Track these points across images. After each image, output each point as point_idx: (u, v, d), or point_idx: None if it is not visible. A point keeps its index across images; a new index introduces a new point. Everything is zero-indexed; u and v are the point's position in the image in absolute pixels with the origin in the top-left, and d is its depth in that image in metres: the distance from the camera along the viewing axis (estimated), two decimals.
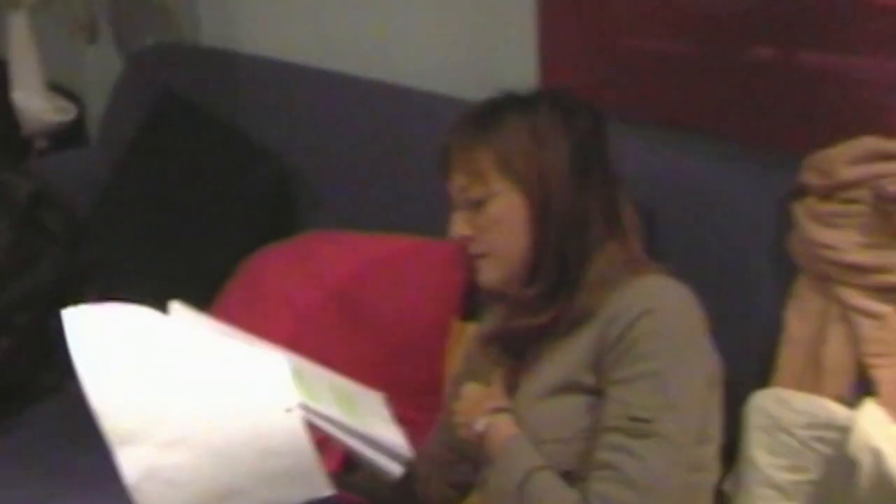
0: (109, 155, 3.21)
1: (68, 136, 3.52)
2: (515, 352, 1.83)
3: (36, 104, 3.38)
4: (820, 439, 1.73)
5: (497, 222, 1.74)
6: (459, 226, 1.78)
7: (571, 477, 1.65)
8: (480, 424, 1.76)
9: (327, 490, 1.57)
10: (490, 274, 1.78)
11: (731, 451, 1.80)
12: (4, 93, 3.36)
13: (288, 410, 1.56)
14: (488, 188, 1.73)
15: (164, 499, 1.55)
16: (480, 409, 1.78)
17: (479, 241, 1.77)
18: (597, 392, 1.67)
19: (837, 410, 1.73)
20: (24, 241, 2.74)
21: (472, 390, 1.84)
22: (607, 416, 1.63)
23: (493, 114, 1.76)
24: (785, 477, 1.75)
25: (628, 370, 1.62)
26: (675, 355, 1.63)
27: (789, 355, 1.82)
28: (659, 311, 1.64)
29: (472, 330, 2.20)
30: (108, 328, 1.60)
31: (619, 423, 1.60)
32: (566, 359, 1.72)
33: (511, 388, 1.81)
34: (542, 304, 1.75)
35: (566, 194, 1.71)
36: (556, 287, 1.73)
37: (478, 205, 1.75)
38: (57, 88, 3.48)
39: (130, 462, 1.54)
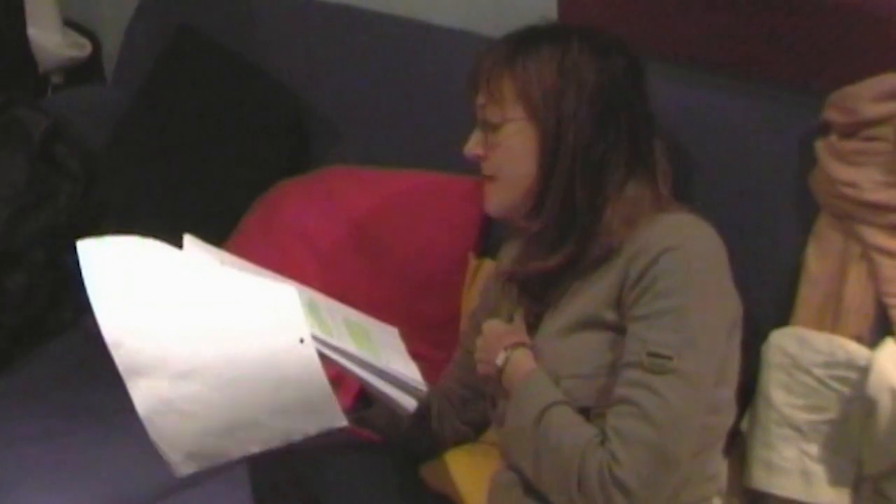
0: (125, 91, 3.20)
1: (84, 73, 3.53)
2: (535, 292, 1.83)
3: (51, 40, 3.38)
4: (838, 379, 1.72)
5: (506, 147, 1.75)
6: (472, 143, 1.80)
7: (590, 413, 1.65)
8: (500, 359, 1.76)
9: (341, 421, 1.58)
10: (494, 198, 1.79)
11: (748, 392, 1.80)
12: (20, 29, 3.35)
13: (301, 341, 1.56)
14: (504, 113, 1.74)
15: (176, 430, 1.56)
16: (501, 344, 1.78)
17: (489, 161, 1.78)
18: (619, 329, 1.66)
19: (856, 350, 1.72)
20: (40, 176, 2.73)
21: (493, 326, 1.84)
22: (627, 352, 1.62)
23: (526, 43, 1.76)
24: (802, 416, 1.75)
25: (650, 307, 1.61)
26: (697, 293, 1.62)
27: (809, 294, 1.80)
28: (682, 248, 1.63)
29: (489, 266, 2.20)
30: (123, 261, 1.61)
31: (638, 359, 1.59)
32: (588, 296, 1.71)
33: (532, 327, 1.81)
34: (553, 246, 1.75)
35: (581, 135, 1.70)
36: (562, 228, 1.73)
37: (493, 126, 1.76)
38: (72, 24, 3.48)
39: (143, 394, 1.55)
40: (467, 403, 1.98)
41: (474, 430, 2.01)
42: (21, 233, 2.67)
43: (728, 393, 1.73)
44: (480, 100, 1.78)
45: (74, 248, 1.63)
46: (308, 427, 1.58)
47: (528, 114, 1.72)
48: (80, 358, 2.55)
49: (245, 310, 1.59)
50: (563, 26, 1.80)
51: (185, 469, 1.58)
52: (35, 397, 2.45)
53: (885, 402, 1.66)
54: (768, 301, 1.85)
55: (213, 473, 1.64)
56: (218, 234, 2.30)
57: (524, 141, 1.73)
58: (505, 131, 1.74)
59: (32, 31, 3.35)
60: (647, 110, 1.78)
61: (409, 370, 1.73)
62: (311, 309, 1.65)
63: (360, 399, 1.92)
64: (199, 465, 1.59)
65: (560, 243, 1.74)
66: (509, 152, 1.75)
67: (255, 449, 1.59)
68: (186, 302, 1.59)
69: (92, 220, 2.78)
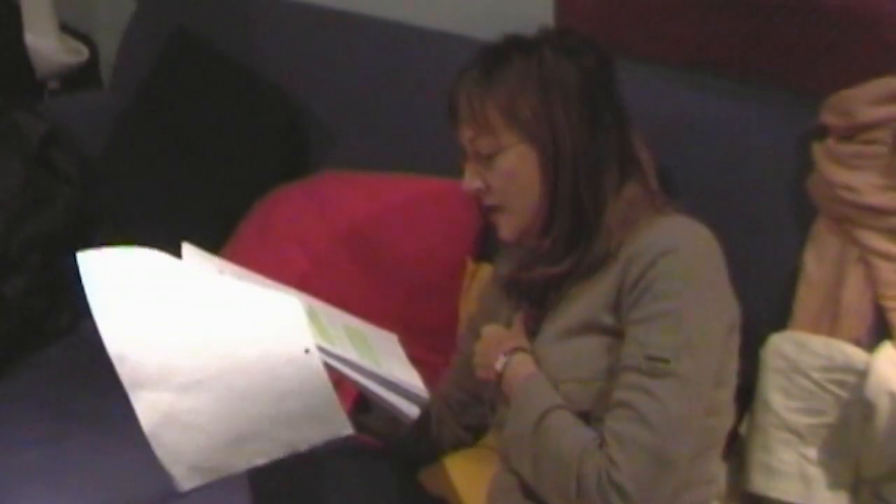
0: (122, 96, 3.20)
1: (80, 78, 3.53)
2: (535, 297, 1.82)
3: (48, 46, 3.39)
4: (837, 382, 1.72)
5: (509, 177, 1.72)
6: (470, 179, 1.77)
7: (588, 417, 1.65)
8: (499, 364, 1.76)
9: (347, 430, 1.57)
10: (508, 229, 1.77)
11: (747, 395, 1.80)
12: (17, 34, 3.35)
13: (306, 351, 1.55)
14: (497, 142, 1.71)
15: (181, 443, 1.54)
16: (500, 348, 1.77)
17: (493, 193, 1.75)
18: (617, 333, 1.66)
19: (854, 353, 1.72)
20: (37, 181, 2.73)
21: (492, 330, 1.84)
22: (625, 355, 1.62)
23: (496, 62, 1.73)
24: (801, 420, 1.75)
25: (647, 310, 1.61)
26: (694, 296, 1.62)
27: (807, 297, 1.80)
28: (680, 251, 1.63)
29: (486, 271, 2.20)
30: (123, 271, 1.59)
31: (636, 362, 1.59)
32: (587, 300, 1.71)
33: (531, 333, 1.81)
34: (560, 253, 1.74)
35: (576, 141, 1.69)
36: (573, 235, 1.72)
37: (488, 158, 1.73)
38: (69, 30, 3.48)
39: (147, 406, 1.53)
40: (466, 408, 1.98)
41: (473, 435, 2.01)
42: (18, 238, 2.67)
43: (726, 395, 1.73)
44: (468, 133, 1.74)
45: (71, 253, 1.62)
46: (314, 437, 1.57)
47: (522, 137, 1.70)
48: (78, 362, 2.55)
49: (249, 321, 1.57)
50: (525, 37, 1.75)
51: (188, 483, 1.55)
52: (33, 402, 2.45)
53: (883, 405, 1.66)
54: (767, 305, 1.85)
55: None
56: (214, 239, 2.30)
57: (525, 164, 1.71)
58: (502, 159, 1.72)
59: (29, 37, 3.35)
60: (624, 108, 1.76)
61: (411, 377, 1.72)
62: (312, 316, 1.64)
63: (358, 404, 1.92)
64: (203, 478, 1.56)
65: (570, 249, 1.73)
66: (513, 180, 1.72)
67: (260, 460, 1.57)
68: (189, 314, 1.57)
69: (89, 225, 2.78)
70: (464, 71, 1.76)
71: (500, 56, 1.73)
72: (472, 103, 1.72)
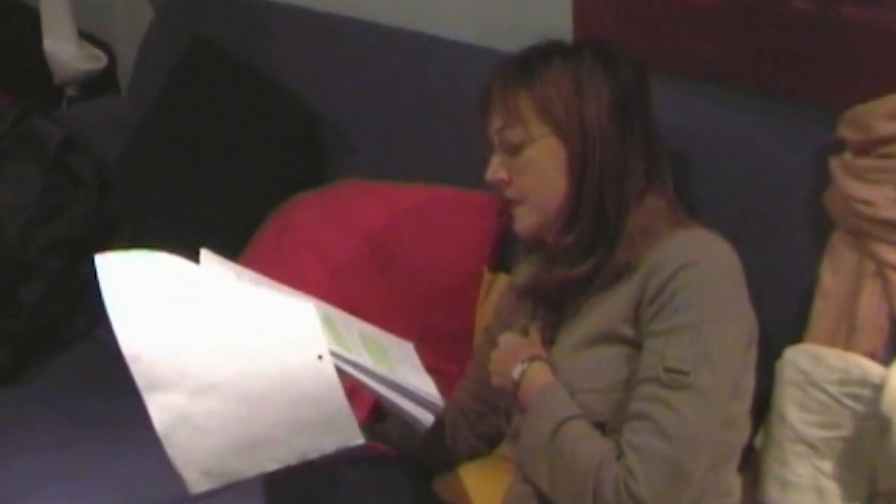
0: (139, 103, 3.22)
1: (99, 85, 3.55)
2: (552, 305, 1.83)
3: (67, 52, 3.40)
4: (852, 396, 1.72)
5: (533, 167, 1.74)
6: (495, 168, 1.78)
7: (605, 428, 1.65)
8: (516, 372, 1.76)
9: (359, 439, 1.57)
10: (525, 221, 1.78)
11: (762, 408, 1.80)
12: (36, 41, 3.36)
13: (320, 358, 1.55)
14: (527, 133, 1.73)
15: (193, 445, 1.55)
16: (517, 357, 1.78)
17: (515, 185, 1.77)
18: (635, 344, 1.67)
19: (870, 367, 1.72)
20: (55, 187, 2.74)
21: (509, 339, 1.84)
22: (644, 367, 1.63)
23: (536, 60, 1.76)
24: (816, 433, 1.75)
25: (667, 322, 1.62)
26: (714, 309, 1.62)
27: (823, 311, 1.80)
28: (700, 264, 1.63)
29: (502, 280, 2.20)
30: (140, 275, 1.60)
31: (654, 374, 1.60)
32: (605, 310, 1.72)
33: (548, 342, 1.81)
34: (580, 256, 1.75)
35: (606, 145, 1.70)
36: (594, 238, 1.73)
37: (515, 149, 1.75)
38: (87, 37, 3.50)
39: (161, 409, 1.54)
40: (481, 417, 1.99)
41: (488, 444, 2.02)
42: (35, 243, 2.68)
43: (743, 409, 1.73)
44: (497, 123, 1.77)
45: (89, 259, 1.63)
46: (325, 445, 1.57)
47: (552, 129, 1.72)
48: (94, 368, 2.56)
49: (263, 326, 1.58)
50: (564, 42, 1.79)
51: (199, 487, 1.56)
52: (49, 407, 2.45)
53: None
54: (782, 318, 1.85)
55: (226, 486, 1.64)
56: (231, 247, 2.30)
57: (552, 157, 1.72)
58: (530, 151, 1.74)
59: (48, 43, 3.37)
60: (654, 118, 1.78)
61: (426, 384, 1.73)
62: (327, 323, 1.65)
63: (374, 412, 1.92)
64: (214, 482, 1.57)
65: (590, 252, 1.74)
66: (539, 172, 1.74)
67: (271, 467, 1.58)
68: (205, 317, 1.58)
69: (106, 232, 2.79)
70: (502, 65, 1.79)
71: (540, 55, 1.76)
72: (505, 93, 1.75)
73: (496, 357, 1.84)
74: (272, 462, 1.58)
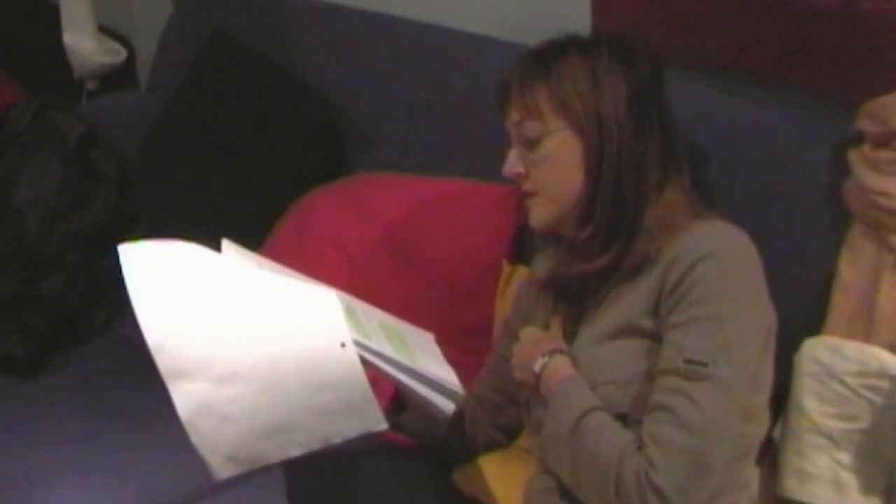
0: (159, 97, 3.23)
1: (118, 79, 3.55)
2: (573, 299, 1.83)
3: (86, 46, 3.41)
4: (871, 388, 1.72)
5: (550, 160, 1.75)
6: (513, 162, 1.79)
7: (626, 420, 1.66)
8: (538, 365, 1.76)
9: (382, 424, 1.58)
10: (539, 213, 1.79)
11: (781, 400, 1.80)
12: (56, 36, 3.38)
13: (343, 345, 1.56)
14: (544, 126, 1.74)
15: (217, 433, 1.56)
16: (539, 350, 1.78)
17: (531, 178, 1.77)
18: (655, 336, 1.67)
19: (889, 359, 1.72)
20: (75, 181, 2.76)
21: (531, 332, 1.85)
22: (664, 359, 1.63)
23: (553, 53, 1.76)
24: (834, 425, 1.75)
25: (686, 314, 1.62)
26: (733, 300, 1.63)
27: (841, 303, 1.80)
28: (719, 255, 1.64)
29: (522, 272, 2.21)
30: (164, 264, 1.62)
31: (675, 365, 1.60)
32: (626, 303, 1.72)
33: (569, 335, 1.82)
34: (598, 249, 1.75)
35: (623, 138, 1.71)
36: (611, 231, 1.73)
37: (532, 142, 1.75)
38: (107, 31, 3.51)
39: (184, 396, 1.55)
40: (500, 409, 1.99)
41: (507, 436, 2.02)
42: (56, 236, 2.69)
43: (762, 401, 1.73)
44: (514, 116, 1.77)
45: (109, 252, 1.64)
46: (348, 430, 1.58)
47: (569, 123, 1.72)
48: (113, 360, 2.58)
49: (286, 314, 1.59)
50: (581, 36, 1.79)
51: (224, 472, 1.58)
52: (69, 399, 2.47)
53: None
54: (801, 310, 1.85)
55: (247, 477, 1.65)
56: (251, 240, 2.30)
57: (569, 151, 1.73)
58: (547, 144, 1.74)
59: (68, 37, 3.38)
60: (671, 115, 1.79)
61: (447, 373, 1.74)
62: (349, 312, 1.66)
63: (394, 403, 1.93)
64: (239, 468, 1.59)
65: (608, 246, 1.74)
66: (555, 165, 1.74)
67: (295, 452, 1.59)
68: (228, 305, 1.59)
69: (126, 225, 2.81)
70: (520, 59, 1.79)
71: (558, 49, 1.77)
72: (523, 87, 1.76)
73: (518, 351, 1.84)
74: (296, 447, 1.59)
